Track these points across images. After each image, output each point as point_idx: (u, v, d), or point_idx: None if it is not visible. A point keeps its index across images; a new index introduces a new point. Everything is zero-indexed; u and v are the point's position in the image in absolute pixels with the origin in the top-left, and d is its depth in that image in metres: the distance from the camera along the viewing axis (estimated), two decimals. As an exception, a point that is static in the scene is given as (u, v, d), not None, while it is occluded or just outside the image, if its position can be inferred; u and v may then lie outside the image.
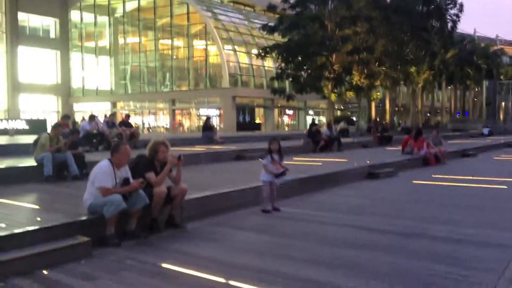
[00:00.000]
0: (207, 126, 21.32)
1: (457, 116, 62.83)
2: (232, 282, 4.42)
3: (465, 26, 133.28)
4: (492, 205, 8.51)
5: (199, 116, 47.37)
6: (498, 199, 9.15)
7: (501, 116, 72.65)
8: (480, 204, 8.55)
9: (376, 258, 5.18)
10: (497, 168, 15.50)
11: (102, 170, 5.96)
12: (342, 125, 32.17)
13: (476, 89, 67.28)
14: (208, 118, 22.47)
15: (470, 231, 6.44)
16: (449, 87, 63.57)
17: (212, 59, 47.10)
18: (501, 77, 66.57)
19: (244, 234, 6.39)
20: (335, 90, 35.51)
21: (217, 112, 46.03)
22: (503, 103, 71.18)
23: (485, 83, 59.45)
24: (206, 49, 47.09)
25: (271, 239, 6.10)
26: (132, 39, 51.89)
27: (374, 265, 4.94)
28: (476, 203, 8.65)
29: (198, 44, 48.48)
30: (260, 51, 35.18)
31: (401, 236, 6.17)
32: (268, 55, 35.06)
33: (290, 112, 53.31)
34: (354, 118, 47.32)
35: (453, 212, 7.79)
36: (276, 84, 37.71)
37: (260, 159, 8.10)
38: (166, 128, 48.56)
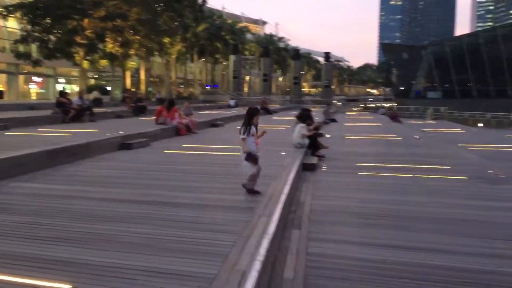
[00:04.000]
0: None
1: (207, 88, 66.76)
2: (-37, 271, 3.96)
3: (214, 2, 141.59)
4: (232, 171, 9.19)
5: None
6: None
7: (246, 89, 79.82)
8: (223, 171, 9.25)
9: (127, 230, 5.23)
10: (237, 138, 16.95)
11: None
12: (95, 93, 31.23)
13: (225, 63, 72.26)
14: None
15: (213, 196, 6.95)
16: (201, 60, 66.99)
17: None
18: (246, 52, 72.84)
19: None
20: (88, 57, 34.17)
21: None
22: (247, 77, 78.22)
23: (232, 58, 64.21)
24: None
25: (14, 219, 5.60)
26: None
27: (126, 237, 4.98)
28: (221, 170, 9.34)
29: None
30: (2, 9, 31.46)
31: (151, 206, 6.32)
32: (12, 15, 31.62)
33: (38, 79, 49.28)
34: (109, 88, 46.27)
35: (201, 180, 8.28)
36: (21, 48, 34.34)
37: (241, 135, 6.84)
38: None
